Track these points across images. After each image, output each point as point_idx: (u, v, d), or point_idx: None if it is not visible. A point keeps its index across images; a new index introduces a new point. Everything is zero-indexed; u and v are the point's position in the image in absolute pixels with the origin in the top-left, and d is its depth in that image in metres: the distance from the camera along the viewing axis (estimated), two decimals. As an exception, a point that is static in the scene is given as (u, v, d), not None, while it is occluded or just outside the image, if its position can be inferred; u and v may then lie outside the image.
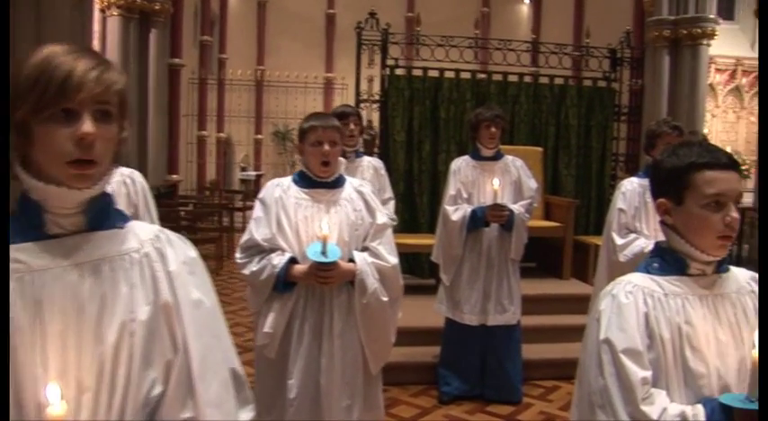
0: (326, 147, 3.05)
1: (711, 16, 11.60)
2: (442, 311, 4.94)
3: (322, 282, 2.98)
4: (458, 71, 7.31)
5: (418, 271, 7.08)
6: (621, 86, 7.92)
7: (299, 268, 3.02)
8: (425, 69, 7.32)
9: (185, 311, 1.43)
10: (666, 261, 1.89)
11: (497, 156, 4.87)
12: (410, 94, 7.17)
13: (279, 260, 3.02)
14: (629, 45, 7.90)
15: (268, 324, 3.06)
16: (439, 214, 4.96)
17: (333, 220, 3.05)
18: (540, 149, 7.31)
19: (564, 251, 6.75)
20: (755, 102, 16.79)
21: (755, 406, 1.64)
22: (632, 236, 4.03)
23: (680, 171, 1.81)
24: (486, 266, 4.75)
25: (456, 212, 4.72)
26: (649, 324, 1.77)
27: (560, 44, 7.73)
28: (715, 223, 1.78)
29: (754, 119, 16.54)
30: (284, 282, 3.02)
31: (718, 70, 15.81)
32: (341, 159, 3.18)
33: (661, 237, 3.59)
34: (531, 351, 5.32)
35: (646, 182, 4.10)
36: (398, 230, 7.05)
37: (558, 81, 7.64)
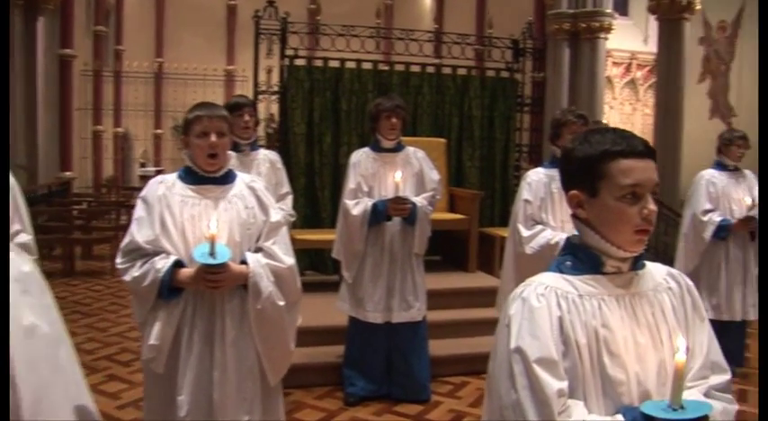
0: (213, 138, 2.79)
1: (608, 11, 11.84)
2: (344, 310, 4.73)
3: (211, 287, 2.73)
4: (359, 61, 7.13)
5: (321, 267, 6.88)
6: (524, 77, 7.89)
7: (186, 272, 2.75)
8: (326, 60, 7.11)
9: (15, 341, 1.16)
10: (579, 259, 1.73)
11: (398, 148, 4.70)
12: (310, 85, 6.94)
13: (163, 264, 2.75)
14: (531, 36, 7.88)
15: (154, 335, 2.78)
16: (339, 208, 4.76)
17: (222, 219, 2.80)
18: (443, 141, 7.20)
19: (469, 243, 6.65)
20: (650, 94, 17.29)
21: (679, 415, 1.52)
22: (538, 227, 3.93)
23: (593, 160, 1.65)
24: (389, 262, 4.57)
25: (356, 206, 4.52)
26: (564, 329, 1.61)
27: (463, 34, 7.64)
28: (632, 216, 1.62)
29: (649, 110, 17.01)
30: (169, 287, 2.75)
31: (614, 64, 16.19)
32: (230, 152, 2.93)
33: (569, 228, 3.50)
34: (439, 347, 5.18)
35: (551, 172, 4.01)
36: (300, 226, 6.85)
37: (461, 72, 7.55)
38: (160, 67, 17.87)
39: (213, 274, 2.69)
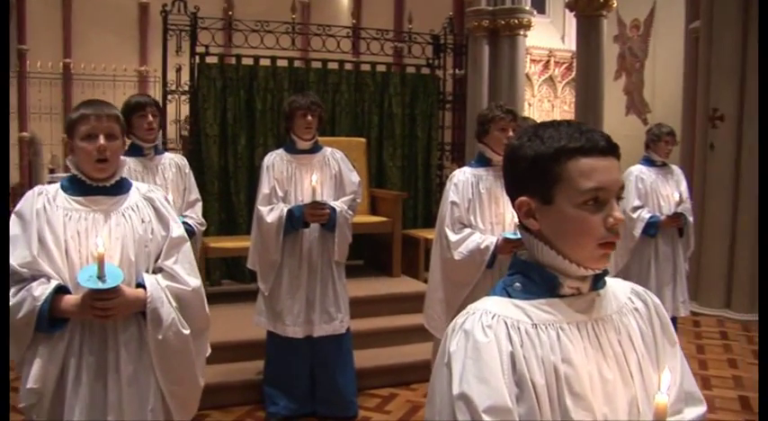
0: (102, 140, 2.40)
1: (527, 8, 11.85)
2: (261, 324, 4.39)
3: (101, 316, 2.33)
4: (274, 58, 6.78)
5: (239, 275, 6.51)
6: (445, 74, 7.67)
7: (70, 299, 2.34)
8: (239, 57, 6.74)
9: None
10: (531, 280, 1.42)
11: (315, 149, 4.39)
12: (223, 83, 6.56)
13: (42, 290, 2.31)
14: (452, 31, 7.66)
15: (33, 377, 2.34)
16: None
17: (113, 235, 2.42)
18: (363, 140, 6.93)
19: (393, 247, 6.38)
20: (567, 91, 17.44)
21: None
22: (467, 231, 3.69)
23: (546, 159, 1.36)
24: (308, 271, 4.25)
25: (271, 213, 4.18)
26: (517, 367, 1.32)
27: (382, 30, 7.36)
28: (595, 227, 1.34)
29: (568, 107, 17.17)
30: (51, 318, 2.32)
31: (533, 61, 16.21)
32: (124, 158, 2.56)
33: (498, 231, 3.24)
34: (364, 358, 4.89)
35: (478, 171, 3.77)
36: (215, 232, 6.47)
37: (381, 68, 7.29)
38: (67, 68, 17.02)
39: (103, 301, 2.30)
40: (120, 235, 2.43)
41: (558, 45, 17.36)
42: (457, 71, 8.14)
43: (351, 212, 4.35)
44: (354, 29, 7.43)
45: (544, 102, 17.46)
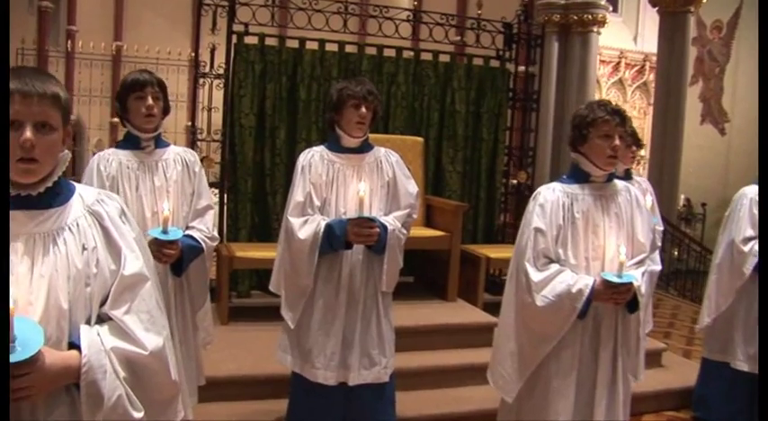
0: (28, 133, 1.56)
1: (602, 2, 10.93)
2: (285, 363, 3.51)
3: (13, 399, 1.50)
4: (323, 42, 5.94)
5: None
6: (517, 68, 6.75)
7: None
8: (282, 38, 5.91)
9: None
10: None
11: (365, 148, 3.52)
12: (262, 67, 5.74)
13: None
14: (526, 20, 6.72)
15: None
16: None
17: (37, 272, 1.60)
18: (420, 140, 6.04)
19: (450, 266, 5.47)
20: (637, 95, 16.39)
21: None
22: (554, 267, 2.80)
23: None
24: (347, 303, 3.36)
25: (305, 227, 3.32)
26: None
27: (447, 14, 6.47)
28: None
29: (637, 113, 16.15)
30: None
31: (602, 62, 15.16)
32: (67, 152, 1.71)
33: (595, 266, 2.88)
34: (407, 404, 4.02)
35: (572, 189, 2.88)
36: (245, 238, 5.66)
37: (444, 58, 6.40)
38: (118, 50, 16.49)
39: (19, 377, 1.49)
40: (48, 271, 1.60)
41: (630, 46, 16.33)
42: (528, 66, 7.17)
43: (405, 231, 3.47)
44: (416, 12, 6.54)
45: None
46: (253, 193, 5.74)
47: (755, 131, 13.17)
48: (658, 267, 2.97)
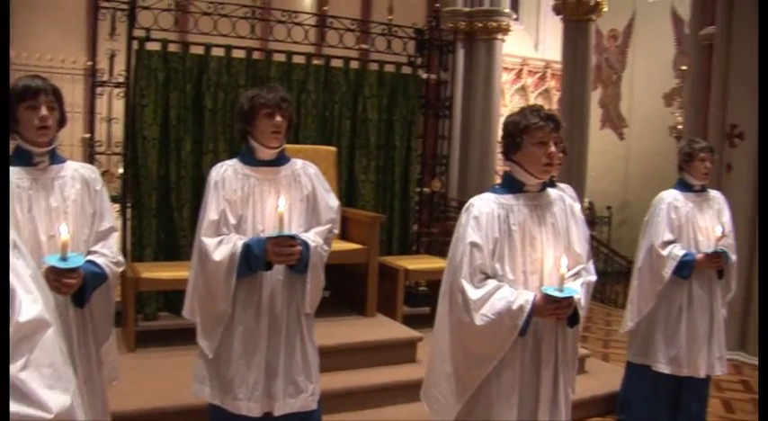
0: None
1: (506, 10, 11.09)
2: (203, 395, 3.23)
3: None
4: (229, 48, 5.66)
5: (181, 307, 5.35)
6: (429, 75, 6.64)
7: None
8: (186, 44, 5.60)
9: None
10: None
11: (282, 160, 3.29)
12: (165, 75, 5.42)
13: None
14: (437, 26, 6.62)
15: None
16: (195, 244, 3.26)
17: None
18: (333, 149, 5.84)
19: (368, 280, 5.28)
20: (540, 101, 16.64)
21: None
22: (491, 283, 2.64)
23: None
24: (269, 328, 3.11)
25: (220, 247, 3.06)
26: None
27: (357, 20, 6.31)
28: None
29: (539, 119, 16.43)
30: None
31: (505, 69, 15.27)
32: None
33: (533, 281, 2.74)
34: (332, 428, 3.83)
35: (506, 199, 2.74)
36: (151, 257, 5.32)
37: (355, 65, 6.23)
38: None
39: None
40: None
41: (532, 53, 16.57)
42: (431, 75, 7.06)
43: (326, 248, 3.26)
44: (325, 17, 6.34)
45: (515, 112, 16.60)
46: (158, 209, 5.40)
47: (651, 136, 13.63)
48: (594, 277, 2.86)
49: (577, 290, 2.69)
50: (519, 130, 2.72)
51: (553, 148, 2.70)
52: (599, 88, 14.55)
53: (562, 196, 2.89)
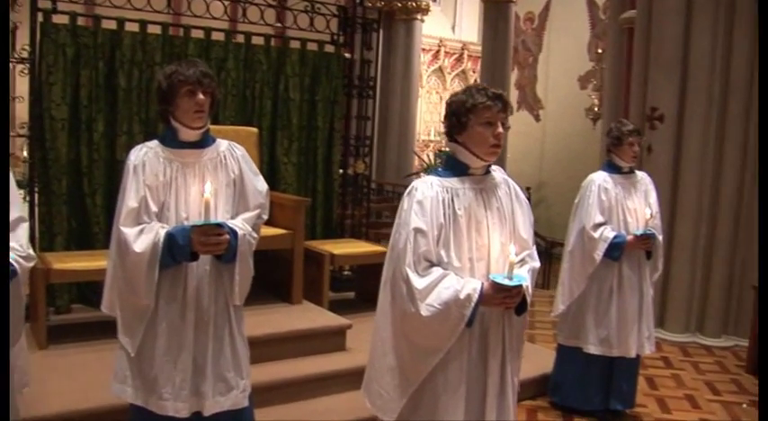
0: None
1: (425, -10, 10.99)
2: (125, 396, 3.00)
3: None
4: (143, 23, 5.34)
5: (96, 299, 5.02)
6: (353, 54, 6.46)
7: None
8: (97, 18, 5.24)
9: None
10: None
11: (207, 141, 3.07)
12: (75, 51, 5.06)
13: None
14: (361, 3, 6.43)
15: None
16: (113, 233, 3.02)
17: None
18: (255, 130, 5.59)
19: (293, 267, 5.10)
20: (456, 82, 16.68)
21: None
22: (436, 272, 2.52)
23: None
24: (196, 323, 2.91)
25: (141, 238, 2.82)
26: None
27: (279, -5, 6.07)
28: None
29: (456, 100, 16.44)
30: None
31: (423, 50, 15.26)
32: None
33: (480, 268, 2.63)
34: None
35: (451, 183, 2.62)
36: (63, 245, 5.00)
37: (276, 43, 6.00)
38: None
39: None
40: None
41: (449, 34, 16.61)
42: (361, 52, 6.88)
43: (255, 235, 3.07)
44: (245, -8, 6.06)
45: (432, 93, 16.65)
46: (68, 195, 5.06)
47: (566, 117, 13.82)
48: (538, 264, 2.77)
49: (526, 277, 2.59)
50: (465, 110, 2.59)
51: (500, 129, 2.58)
52: (515, 70, 14.65)
53: (506, 179, 2.78)
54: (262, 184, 3.15)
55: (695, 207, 6.44)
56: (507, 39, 10.61)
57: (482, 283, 2.50)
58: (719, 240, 6.48)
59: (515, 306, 2.56)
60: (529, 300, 2.62)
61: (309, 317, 4.84)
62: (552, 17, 14.61)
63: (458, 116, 2.60)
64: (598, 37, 13.21)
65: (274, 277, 5.24)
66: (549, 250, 9.86)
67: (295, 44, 6.09)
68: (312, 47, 6.15)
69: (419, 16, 11.34)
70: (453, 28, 16.83)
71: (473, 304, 2.46)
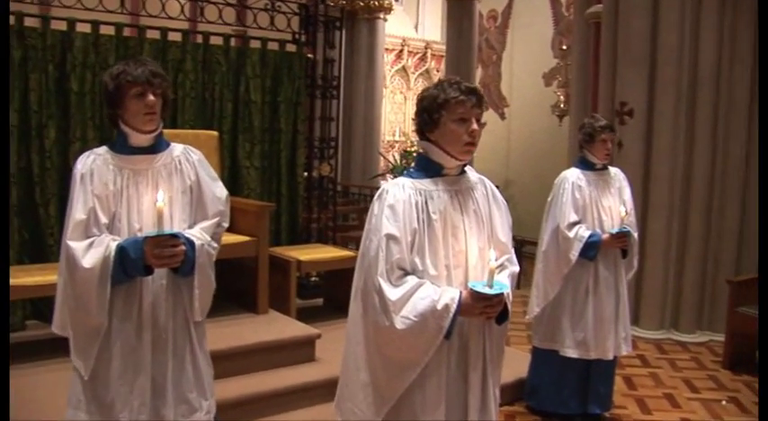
0: None
1: (388, -12, 10.85)
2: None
3: None
4: (96, 24, 5.11)
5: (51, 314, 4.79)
6: (315, 53, 6.27)
7: None
8: (47, 19, 4.99)
9: None
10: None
11: (159, 146, 2.86)
12: (23, 54, 4.83)
13: None
14: (323, 1, 6.25)
15: None
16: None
17: None
18: (215, 134, 5.38)
19: (258, 275, 4.90)
20: (420, 82, 16.54)
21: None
22: (411, 281, 2.35)
23: None
24: (153, 342, 2.71)
25: (90, 252, 2.61)
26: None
27: (238, -6, 5.87)
28: None
29: (421, 100, 16.30)
30: None
31: (386, 50, 15.12)
32: None
33: (458, 275, 2.43)
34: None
35: (424, 184, 2.45)
36: (15, 260, 4.73)
37: (236, 43, 5.80)
38: None
39: None
40: None
41: (412, 34, 16.49)
42: (324, 52, 6.69)
43: (215, 245, 2.87)
44: (202, -10, 5.85)
45: (397, 93, 16.51)
46: (19, 206, 4.81)
47: (531, 115, 13.77)
48: (517, 268, 2.61)
49: (507, 284, 2.43)
50: (437, 105, 2.41)
51: (475, 126, 2.41)
52: (479, 68, 14.57)
53: (483, 179, 2.61)
54: (221, 190, 2.96)
55: (667, 202, 6.37)
56: (471, 37, 10.50)
57: (460, 292, 2.33)
58: (692, 235, 6.41)
59: (496, 315, 2.40)
60: (510, 307, 2.46)
61: (276, 327, 4.65)
62: (515, 14, 14.56)
63: (429, 112, 2.43)
64: (562, 33, 13.17)
65: (239, 286, 5.04)
66: (520, 249, 9.76)
67: (255, 44, 5.89)
68: (273, 46, 5.97)
69: (382, 15, 11.19)
70: (416, 27, 16.72)
71: (451, 315, 2.29)
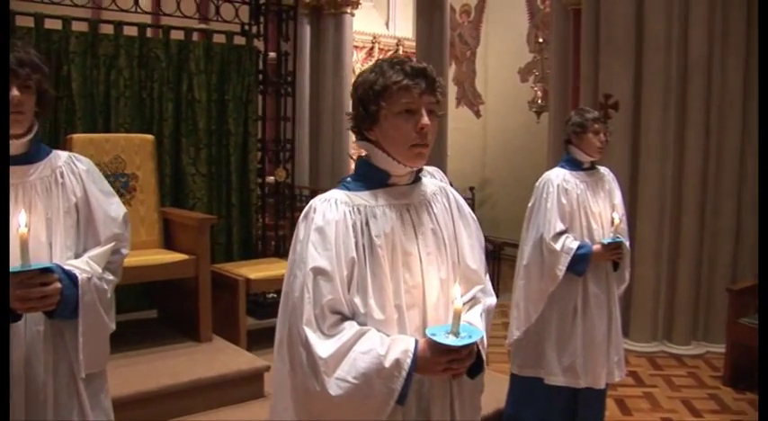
0: None
1: (354, -16, 10.29)
2: None
3: None
4: (12, 15, 4.47)
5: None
6: (267, 46, 5.67)
7: None
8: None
9: None
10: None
11: (35, 154, 2.21)
12: None
13: None
14: (274, -10, 5.64)
15: None
16: None
17: None
18: (150, 138, 4.75)
19: (199, 297, 4.28)
20: (393, 80, 16.00)
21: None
22: (349, 329, 1.74)
23: None
24: (28, 405, 2.03)
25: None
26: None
27: (176, -20, 5.25)
28: None
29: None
30: None
31: (356, 47, 14.54)
32: None
33: (413, 325, 1.85)
34: None
35: (364, 197, 1.83)
36: None
37: (177, 35, 5.19)
38: None
39: None
40: None
41: (383, 31, 15.94)
42: (277, 44, 6.07)
43: (111, 277, 2.25)
44: (138, -23, 5.22)
45: (368, 92, 15.94)
46: None
47: (508, 111, 13.20)
48: (494, 300, 2.00)
49: (479, 328, 1.82)
50: (375, 94, 1.80)
51: (426, 119, 1.80)
52: (453, 65, 14.02)
53: (443, 188, 2.00)
54: (116, 209, 2.32)
55: (657, 201, 5.85)
56: (443, 33, 9.95)
57: (416, 341, 1.72)
58: (685, 237, 5.89)
59: (465, 370, 1.80)
60: (485, 355, 1.86)
61: (220, 359, 4.01)
62: (489, 9, 14.03)
63: (366, 104, 1.81)
64: (538, 27, 12.66)
65: (179, 311, 4.42)
66: (498, 252, 9.18)
67: (199, 36, 5.28)
68: (219, 39, 5.36)
69: (349, 10, 10.60)
70: (387, 23, 16.18)
71: (404, 374, 1.68)
